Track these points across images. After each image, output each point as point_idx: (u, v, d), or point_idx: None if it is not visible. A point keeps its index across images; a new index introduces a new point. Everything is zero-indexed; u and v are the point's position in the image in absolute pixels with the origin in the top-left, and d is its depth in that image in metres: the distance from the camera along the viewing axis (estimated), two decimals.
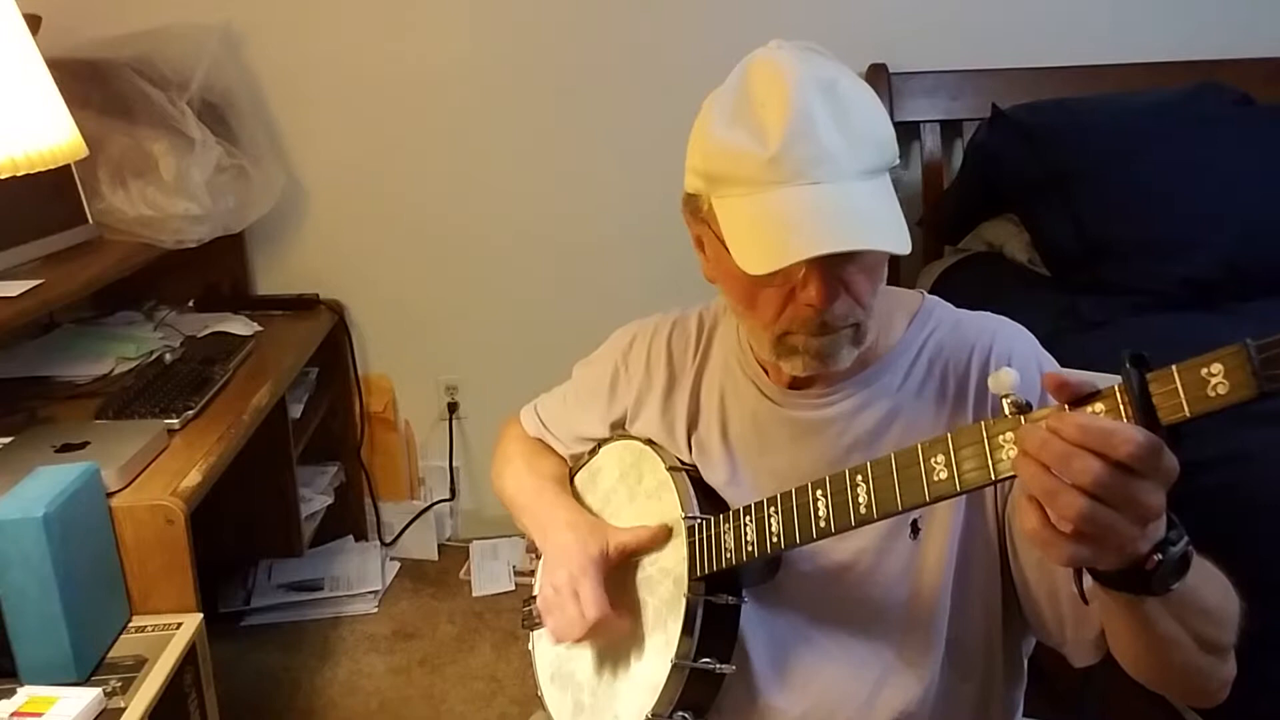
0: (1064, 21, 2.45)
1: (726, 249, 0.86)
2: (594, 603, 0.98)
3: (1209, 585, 0.76)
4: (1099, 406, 0.64)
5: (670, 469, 1.03)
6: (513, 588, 2.43)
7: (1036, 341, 0.98)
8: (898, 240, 0.82)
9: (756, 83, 0.86)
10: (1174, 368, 0.60)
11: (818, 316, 0.88)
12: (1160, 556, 0.67)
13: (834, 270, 0.86)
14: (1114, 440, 0.61)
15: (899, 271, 2.38)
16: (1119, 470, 0.61)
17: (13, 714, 1.14)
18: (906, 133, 2.43)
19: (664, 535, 1.02)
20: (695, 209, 0.93)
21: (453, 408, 2.60)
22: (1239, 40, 2.41)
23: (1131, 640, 0.78)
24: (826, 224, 0.81)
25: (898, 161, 0.89)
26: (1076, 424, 0.62)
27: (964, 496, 0.91)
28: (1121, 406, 0.63)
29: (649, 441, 1.09)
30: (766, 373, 1.03)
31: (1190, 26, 2.46)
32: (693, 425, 1.07)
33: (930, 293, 1.05)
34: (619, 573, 1.04)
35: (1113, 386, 0.64)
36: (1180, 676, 0.80)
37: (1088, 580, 0.71)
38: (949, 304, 1.03)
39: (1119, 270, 1.90)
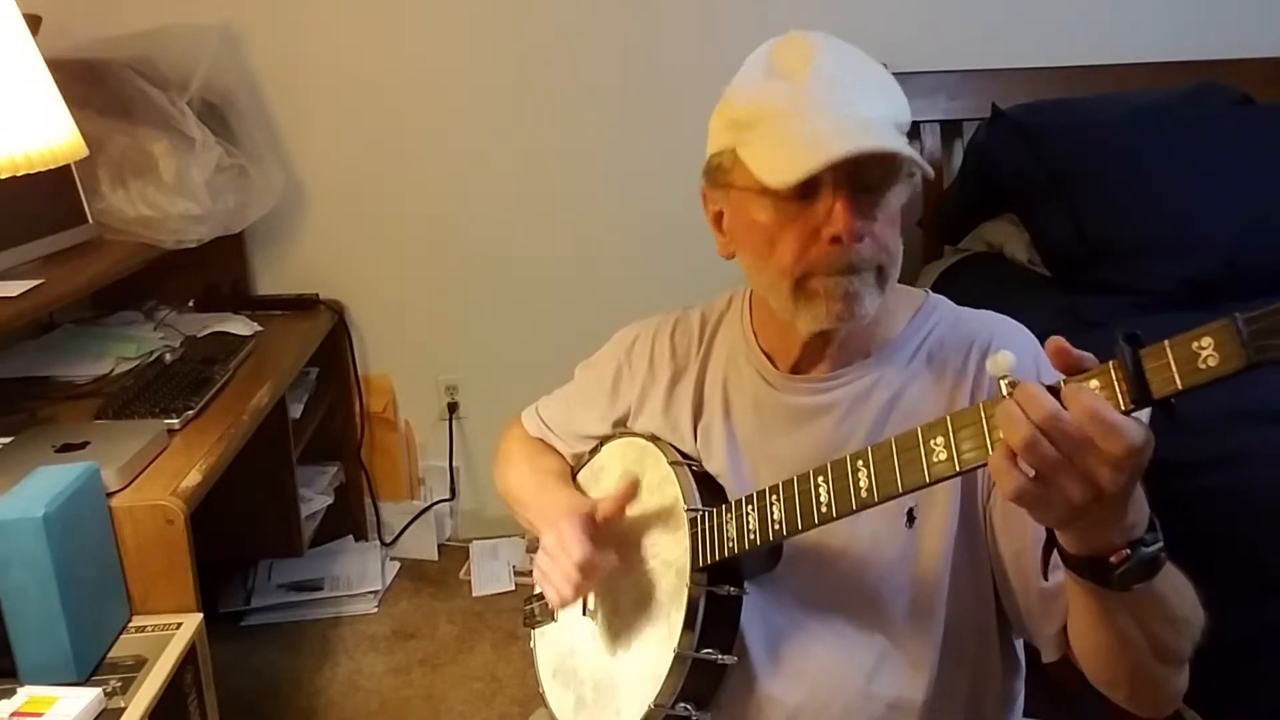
0: (1064, 21, 2.45)
1: (750, 192, 0.90)
2: (578, 544, 0.98)
3: (1178, 595, 0.77)
4: (1094, 382, 0.66)
5: (672, 464, 1.04)
6: (513, 588, 2.43)
7: (1035, 339, 0.99)
8: (921, 162, 0.89)
9: (778, 50, 0.92)
10: (1166, 343, 0.63)
11: (844, 254, 0.88)
12: (1129, 552, 0.70)
13: (859, 204, 0.88)
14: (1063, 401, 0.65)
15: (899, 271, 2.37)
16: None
17: (13, 714, 1.13)
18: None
19: (634, 488, 1.03)
20: (717, 171, 0.96)
21: (453, 408, 2.60)
22: (1239, 40, 2.41)
23: (1090, 633, 0.80)
24: (853, 138, 0.85)
25: (909, 126, 0.93)
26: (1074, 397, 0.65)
27: (959, 487, 0.94)
28: (1116, 382, 0.65)
29: (651, 437, 1.10)
30: (771, 361, 1.04)
31: (1190, 26, 2.46)
32: (698, 415, 1.09)
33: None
34: (622, 566, 1.05)
35: (1108, 362, 0.66)
36: (1130, 678, 0.82)
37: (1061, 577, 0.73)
38: (952, 302, 1.05)
39: (1119, 270, 1.90)
